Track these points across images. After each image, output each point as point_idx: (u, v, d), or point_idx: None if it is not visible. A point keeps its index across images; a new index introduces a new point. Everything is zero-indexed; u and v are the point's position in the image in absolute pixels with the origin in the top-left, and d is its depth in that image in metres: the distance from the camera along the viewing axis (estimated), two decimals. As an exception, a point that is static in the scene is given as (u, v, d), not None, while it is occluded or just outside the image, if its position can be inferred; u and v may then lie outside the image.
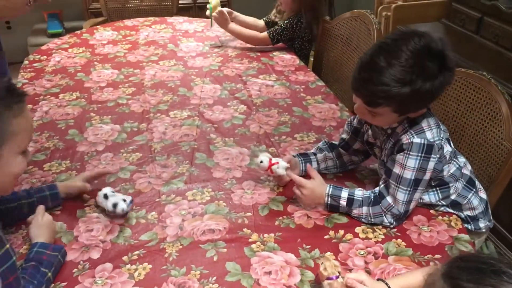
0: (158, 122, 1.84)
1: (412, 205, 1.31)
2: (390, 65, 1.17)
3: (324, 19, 2.53)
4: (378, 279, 1.12)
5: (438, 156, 1.27)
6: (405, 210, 1.29)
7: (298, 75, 2.24)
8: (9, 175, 1.06)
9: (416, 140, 1.25)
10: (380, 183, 1.35)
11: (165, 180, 1.52)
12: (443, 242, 1.27)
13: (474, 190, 1.39)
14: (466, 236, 1.28)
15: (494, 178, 1.45)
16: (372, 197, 1.32)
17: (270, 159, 1.43)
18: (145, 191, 1.47)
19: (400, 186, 1.28)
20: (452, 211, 1.38)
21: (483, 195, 1.41)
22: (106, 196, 1.33)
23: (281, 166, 1.42)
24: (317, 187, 1.36)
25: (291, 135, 1.77)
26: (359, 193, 1.34)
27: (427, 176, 1.28)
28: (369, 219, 1.32)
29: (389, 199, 1.30)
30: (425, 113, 1.29)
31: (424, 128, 1.26)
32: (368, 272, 1.17)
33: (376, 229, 1.31)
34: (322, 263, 1.09)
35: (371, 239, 1.28)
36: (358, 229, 1.32)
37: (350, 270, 1.18)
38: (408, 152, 1.25)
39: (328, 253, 1.20)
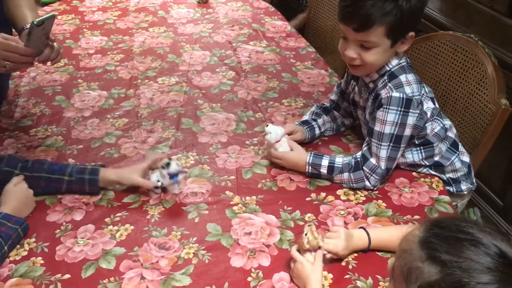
0: (146, 88, 1.83)
1: (394, 163, 1.31)
2: None
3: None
4: (360, 227, 1.14)
5: (418, 111, 1.27)
6: (387, 167, 1.30)
7: (289, 41, 2.22)
8: None
9: (395, 94, 1.25)
10: (363, 146, 1.35)
11: (150, 145, 1.52)
12: (423, 204, 1.27)
13: (457, 152, 1.39)
14: (446, 198, 1.29)
15: (478, 141, 1.45)
16: (353, 163, 1.32)
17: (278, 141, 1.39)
18: (130, 155, 1.47)
19: (381, 143, 1.28)
20: (434, 172, 1.38)
21: (466, 158, 1.41)
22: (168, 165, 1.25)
23: (283, 145, 1.39)
24: (296, 155, 1.38)
25: (279, 100, 1.76)
26: (339, 160, 1.34)
27: (407, 132, 1.28)
28: (351, 184, 1.32)
29: (372, 160, 1.30)
30: (404, 68, 1.29)
31: (403, 82, 1.27)
32: (347, 232, 1.18)
33: (358, 192, 1.32)
34: (306, 234, 1.06)
35: (352, 200, 1.29)
36: (340, 191, 1.32)
37: (329, 230, 1.19)
38: (388, 107, 1.26)
39: (312, 225, 1.19)
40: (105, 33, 2.26)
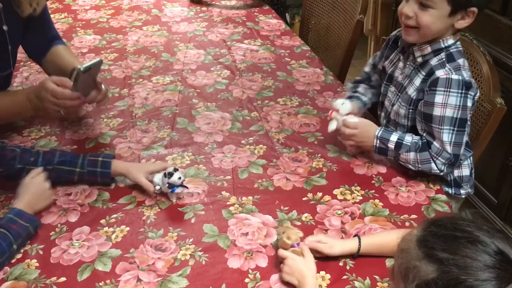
0: (140, 88, 1.82)
1: (462, 149, 1.27)
2: None
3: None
4: (355, 235, 1.14)
5: (474, 95, 1.25)
6: (454, 153, 1.25)
7: (283, 40, 2.21)
8: None
9: (455, 76, 1.23)
10: (420, 132, 1.32)
11: (145, 145, 1.51)
12: (420, 203, 1.27)
13: (471, 153, 1.41)
14: (443, 197, 1.29)
15: (474, 139, 1.45)
16: (420, 143, 1.29)
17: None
18: (125, 155, 1.46)
19: (443, 127, 1.25)
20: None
21: (471, 160, 1.42)
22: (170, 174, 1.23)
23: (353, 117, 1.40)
24: (368, 126, 1.36)
25: (274, 99, 1.76)
26: (408, 138, 1.31)
27: (469, 116, 1.26)
28: (417, 165, 1.29)
29: (436, 143, 1.27)
30: (462, 53, 1.28)
31: (461, 66, 1.25)
32: (344, 232, 1.18)
33: (354, 191, 1.32)
34: (283, 232, 1.07)
35: (349, 200, 1.29)
36: (336, 191, 1.32)
37: (326, 230, 1.19)
38: (449, 89, 1.23)
39: (287, 223, 1.20)
40: (98, 31, 2.24)
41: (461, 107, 1.24)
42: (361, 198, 1.29)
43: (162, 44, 2.15)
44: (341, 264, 1.10)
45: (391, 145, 1.31)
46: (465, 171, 1.40)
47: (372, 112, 1.60)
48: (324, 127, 1.58)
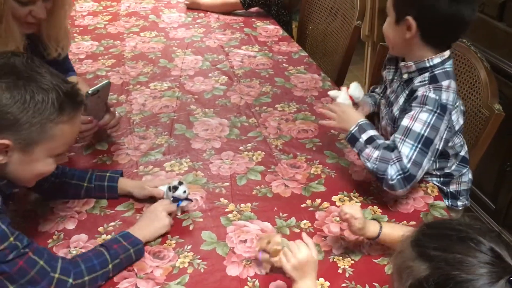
0: (138, 94, 1.81)
1: (420, 172, 1.19)
2: None
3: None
4: (372, 219, 1.14)
5: (447, 121, 1.23)
6: (411, 171, 1.17)
7: (281, 46, 2.21)
8: (33, 172, 1.01)
9: (431, 95, 1.21)
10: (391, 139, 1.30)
11: (143, 151, 1.51)
12: (419, 209, 1.27)
13: (467, 167, 1.40)
14: (441, 203, 1.29)
15: (473, 145, 1.45)
16: (390, 144, 1.24)
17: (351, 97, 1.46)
18: (123, 162, 1.45)
19: (406, 139, 1.20)
20: (440, 185, 1.38)
21: (470, 175, 1.42)
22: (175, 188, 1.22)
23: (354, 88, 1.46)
24: (355, 113, 1.35)
25: (272, 105, 1.76)
26: (383, 139, 1.27)
27: (437, 139, 1.20)
28: (374, 162, 1.20)
29: (395, 153, 1.21)
30: (449, 74, 1.25)
31: (443, 87, 1.23)
32: (343, 238, 1.18)
33: (353, 197, 1.32)
34: (268, 243, 1.04)
35: (347, 207, 1.28)
36: (335, 198, 1.32)
37: (325, 237, 1.19)
38: (423, 105, 1.21)
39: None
40: (96, 37, 2.23)
41: (430, 125, 1.19)
42: (359, 204, 1.29)
43: (159, 50, 2.15)
44: (340, 271, 1.09)
45: (365, 136, 1.26)
46: (463, 185, 1.40)
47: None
48: (322, 133, 1.58)
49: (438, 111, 1.20)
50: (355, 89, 1.46)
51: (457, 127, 1.30)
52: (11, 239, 0.93)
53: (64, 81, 1.00)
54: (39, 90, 0.94)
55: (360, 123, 1.29)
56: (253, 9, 2.54)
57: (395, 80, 1.36)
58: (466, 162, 1.39)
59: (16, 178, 1.01)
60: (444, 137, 1.23)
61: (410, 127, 1.20)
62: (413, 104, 1.23)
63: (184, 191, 1.22)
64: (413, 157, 1.19)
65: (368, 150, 1.24)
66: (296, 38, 2.58)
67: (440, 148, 1.24)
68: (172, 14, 2.51)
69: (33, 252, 0.96)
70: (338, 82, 2.16)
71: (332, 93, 1.53)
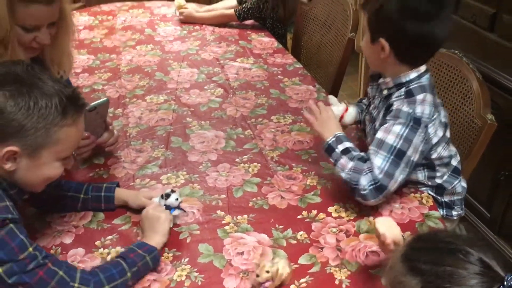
0: (134, 107, 1.83)
1: (392, 182, 1.22)
2: None
3: (302, 1, 2.52)
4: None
5: (423, 134, 1.24)
6: (383, 182, 1.20)
7: (276, 58, 2.23)
8: (42, 176, 1.04)
9: (405, 108, 1.25)
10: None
11: (140, 164, 1.51)
12: (414, 219, 1.28)
13: (459, 178, 1.41)
14: (436, 213, 1.30)
15: (466, 155, 1.47)
16: (362, 155, 1.28)
17: (346, 108, 1.50)
18: (119, 175, 1.46)
19: (379, 151, 1.23)
20: (433, 194, 1.40)
21: (464, 184, 1.44)
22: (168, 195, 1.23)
23: (350, 114, 1.47)
24: (334, 122, 1.38)
25: (268, 117, 1.77)
26: (358, 151, 1.30)
27: (410, 151, 1.23)
28: (348, 173, 1.24)
29: (368, 163, 1.25)
30: (425, 88, 1.27)
31: (417, 100, 1.25)
32: (339, 249, 1.19)
33: (349, 208, 1.32)
34: (269, 267, 1.05)
35: (343, 217, 1.30)
36: (331, 209, 1.33)
37: (321, 248, 1.19)
38: (396, 118, 1.25)
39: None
40: (92, 51, 2.25)
41: (403, 137, 1.22)
42: (355, 215, 1.30)
43: (155, 63, 2.16)
44: (337, 282, 1.10)
45: (341, 147, 1.30)
46: (457, 195, 1.42)
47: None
48: (317, 144, 1.59)
49: (411, 124, 1.23)
50: (349, 114, 1.49)
51: (435, 139, 1.30)
52: (30, 249, 0.95)
53: (65, 86, 1.03)
54: (42, 96, 0.97)
55: (338, 134, 1.34)
56: (248, 22, 2.57)
57: (376, 96, 1.39)
58: (458, 172, 1.41)
59: (25, 184, 1.04)
60: (420, 149, 1.26)
61: (384, 139, 1.25)
62: (387, 117, 1.27)
63: (177, 199, 1.23)
64: (385, 168, 1.22)
65: (343, 160, 1.28)
66: (291, 50, 2.60)
67: (416, 160, 1.26)
68: (167, 28, 2.53)
69: (52, 263, 0.98)
70: (333, 93, 2.17)
71: (333, 100, 1.55)
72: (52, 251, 1.18)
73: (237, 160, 1.53)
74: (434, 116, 1.28)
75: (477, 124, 1.43)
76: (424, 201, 1.34)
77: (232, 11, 2.50)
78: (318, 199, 1.36)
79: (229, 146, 1.60)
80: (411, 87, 1.28)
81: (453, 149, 1.40)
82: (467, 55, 1.59)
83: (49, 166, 1.03)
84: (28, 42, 1.28)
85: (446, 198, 1.41)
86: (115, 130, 1.52)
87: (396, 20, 1.22)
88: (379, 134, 1.26)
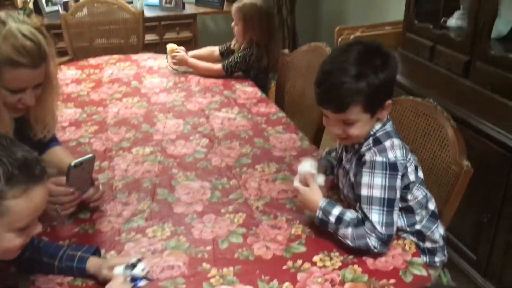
0: (120, 160, 1.85)
1: (394, 228, 1.30)
2: (343, 68, 1.27)
3: (283, 52, 2.61)
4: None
5: (401, 174, 1.31)
6: (386, 233, 1.28)
7: (259, 107, 2.29)
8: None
9: (378, 158, 1.30)
10: (357, 209, 1.36)
11: (125, 218, 1.52)
12: (398, 267, 1.30)
13: (436, 223, 1.44)
14: (419, 260, 1.32)
15: (445, 200, 1.50)
16: (358, 218, 1.32)
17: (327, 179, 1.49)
18: (105, 230, 1.46)
19: (372, 207, 1.29)
20: (415, 240, 1.42)
21: (442, 230, 1.46)
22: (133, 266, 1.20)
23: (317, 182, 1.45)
24: (311, 195, 1.39)
25: (252, 166, 1.80)
26: (349, 214, 1.33)
27: (398, 194, 1.31)
28: (354, 241, 1.30)
29: (368, 222, 1.30)
30: (390, 134, 1.34)
31: (387, 147, 1.32)
32: (324, 300, 1.19)
33: (333, 257, 1.34)
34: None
35: (328, 266, 1.30)
36: (316, 258, 1.34)
37: (307, 299, 1.20)
38: (373, 171, 1.30)
39: None
40: (79, 105, 2.29)
41: (387, 187, 1.29)
42: (340, 264, 1.31)
43: (142, 115, 2.20)
44: (323, 334, 1.10)
45: (332, 219, 1.33)
46: (437, 240, 1.44)
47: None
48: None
49: (388, 172, 1.29)
50: (308, 166, 1.47)
51: (411, 177, 1.36)
52: None
53: (22, 151, 0.99)
54: None
55: (322, 206, 1.36)
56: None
57: (349, 150, 1.44)
58: (436, 216, 1.44)
59: None
60: (400, 187, 1.32)
61: (371, 195, 1.30)
62: (363, 170, 1.32)
63: (143, 269, 1.21)
64: (384, 220, 1.29)
65: (341, 230, 1.33)
66: (275, 97, 2.67)
67: (399, 197, 1.32)
68: (154, 80, 2.60)
69: None
70: (317, 139, 2.23)
71: (306, 166, 1.48)
72: (36, 311, 1.17)
73: (222, 210, 1.55)
74: (409, 156, 1.36)
75: (454, 170, 1.47)
76: (407, 247, 1.36)
77: (219, 66, 2.58)
78: (303, 249, 1.37)
79: (214, 196, 1.62)
80: (377, 135, 1.35)
81: (426, 191, 1.44)
82: (443, 101, 1.66)
83: (2, 238, 0.99)
84: (13, 103, 1.31)
85: (428, 244, 1.43)
86: (100, 186, 1.54)
87: (390, 80, 1.32)
88: (364, 191, 1.31)
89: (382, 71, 1.27)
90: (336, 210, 1.34)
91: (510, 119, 1.93)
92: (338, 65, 1.29)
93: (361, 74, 1.26)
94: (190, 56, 2.71)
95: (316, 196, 1.39)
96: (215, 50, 2.83)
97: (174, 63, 2.66)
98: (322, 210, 1.36)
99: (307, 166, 1.44)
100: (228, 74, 2.58)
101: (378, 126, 1.36)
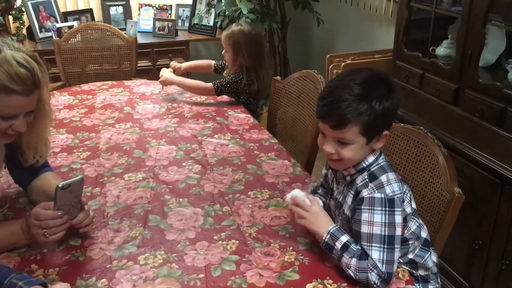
0: (112, 186, 1.84)
1: (395, 266, 1.29)
2: (348, 86, 1.29)
3: (276, 79, 2.65)
4: None
5: (401, 209, 1.31)
6: (387, 271, 1.27)
7: (252, 133, 2.30)
8: None
9: (377, 195, 1.31)
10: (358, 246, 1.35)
11: (117, 245, 1.50)
12: (391, 294, 1.29)
13: (429, 251, 1.44)
14: None
15: (438, 228, 1.51)
16: (363, 251, 1.31)
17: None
18: (96, 257, 1.45)
19: (373, 245, 1.29)
20: (408, 268, 1.42)
21: (434, 258, 1.46)
22: None
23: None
24: (323, 215, 1.39)
25: (245, 192, 1.80)
26: (355, 244, 1.33)
27: (398, 231, 1.30)
28: (356, 273, 1.29)
29: (370, 260, 1.29)
30: (384, 168, 1.36)
31: (384, 182, 1.33)
32: (318, 329, 1.18)
33: (326, 285, 1.33)
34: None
35: (322, 295, 1.30)
36: (309, 286, 1.33)
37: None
38: (372, 208, 1.30)
39: None
40: (71, 130, 2.29)
41: (387, 224, 1.29)
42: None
43: (134, 141, 2.21)
44: None
45: (339, 244, 1.32)
46: (430, 268, 1.44)
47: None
48: (294, 220, 1.61)
49: (387, 208, 1.29)
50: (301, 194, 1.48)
51: (408, 210, 1.36)
52: None
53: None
54: None
55: (331, 230, 1.35)
56: (225, 98, 2.68)
57: (340, 182, 1.45)
58: (428, 245, 1.44)
59: None
60: (402, 222, 1.32)
61: (371, 232, 1.29)
62: (362, 207, 1.32)
63: None
64: (384, 258, 1.28)
65: (346, 259, 1.31)
66: (267, 123, 2.69)
67: (400, 234, 1.32)
68: (146, 105, 2.61)
69: None
70: (309, 165, 2.25)
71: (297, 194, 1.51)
72: None
73: (215, 237, 1.54)
74: (405, 189, 1.36)
75: (445, 197, 1.48)
76: (400, 275, 1.36)
77: (210, 84, 2.61)
78: (296, 276, 1.36)
79: (207, 223, 1.61)
80: (372, 170, 1.36)
81: (420, 220, 1.45)
82: (434, 129, 1.68)
83: None
84: (4, 129, 1.31)
85: (421, 272, 1.43)
86: (90, 211, 1.52)
87: (392, 112, 1.34)
88: (364, 229, 1.30)
89: (387, 100, 1.29)
90: (344, 238, 1.33)
91: (499, 147, 1.96)
92: (345, 83, 1.31)
93: (364, 96, 1.28)
94: (187, 66, 2.74)
95: (326, 219, 1.38)
96: (212, 63, 2.87)
97: (162, 83, 2.69)
98: (330, 234, 1.34)
99: (299, 193, 1.45)
100: (218, 93, 2.60)
101: (371, 159, 1.37)
